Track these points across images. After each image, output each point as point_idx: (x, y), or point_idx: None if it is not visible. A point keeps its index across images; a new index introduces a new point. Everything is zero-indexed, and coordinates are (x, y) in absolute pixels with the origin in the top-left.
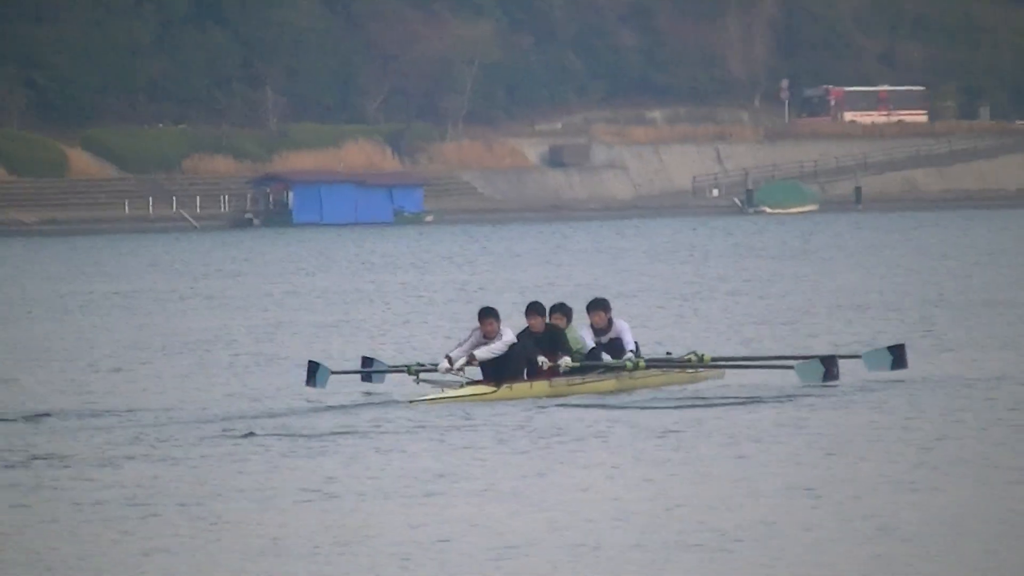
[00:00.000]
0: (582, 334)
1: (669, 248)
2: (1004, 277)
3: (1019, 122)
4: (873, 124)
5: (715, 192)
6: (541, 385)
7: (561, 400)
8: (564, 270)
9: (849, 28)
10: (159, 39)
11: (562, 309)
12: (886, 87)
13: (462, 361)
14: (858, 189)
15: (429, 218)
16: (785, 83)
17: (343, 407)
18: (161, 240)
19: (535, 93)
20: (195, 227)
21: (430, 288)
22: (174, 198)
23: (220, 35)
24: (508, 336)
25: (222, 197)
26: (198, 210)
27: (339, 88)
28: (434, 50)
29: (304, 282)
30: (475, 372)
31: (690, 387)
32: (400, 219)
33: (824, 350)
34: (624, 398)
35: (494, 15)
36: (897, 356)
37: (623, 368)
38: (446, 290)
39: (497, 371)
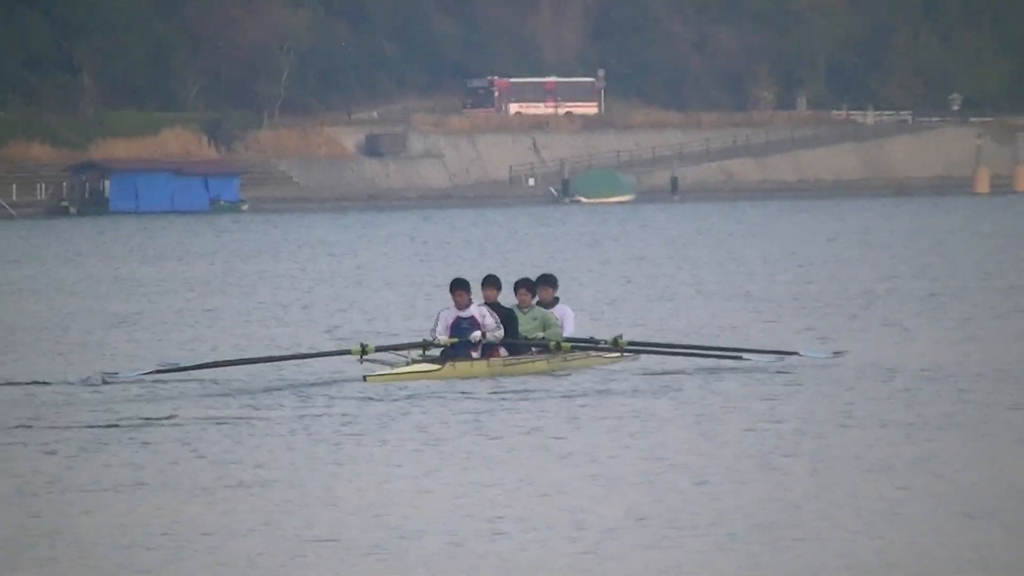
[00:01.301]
0: (562, 314)
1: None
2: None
3: (835, 112)
4: (550, 114)
5: (531, 182)
6: (481, 365)
7: (500, 382)
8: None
9: (662, 14)
10: None
11: (526, 284)
12: (554, 78)
13: (476, 334)
14: (674, 179)
15: (245, 207)
16: (601, 72)
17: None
18: None
19: (352, 81)
20: (12, 215)
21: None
22: None
23: (30, 16)
24: (490, 312)
25: (39, 185)
26: (14, 197)
27: (155, 74)
28: (250, 36)
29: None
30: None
31: (610, 369)
32: (216, 208)
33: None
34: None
35: (311, 2)
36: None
37: (546, 348)
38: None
39: (450, 348)
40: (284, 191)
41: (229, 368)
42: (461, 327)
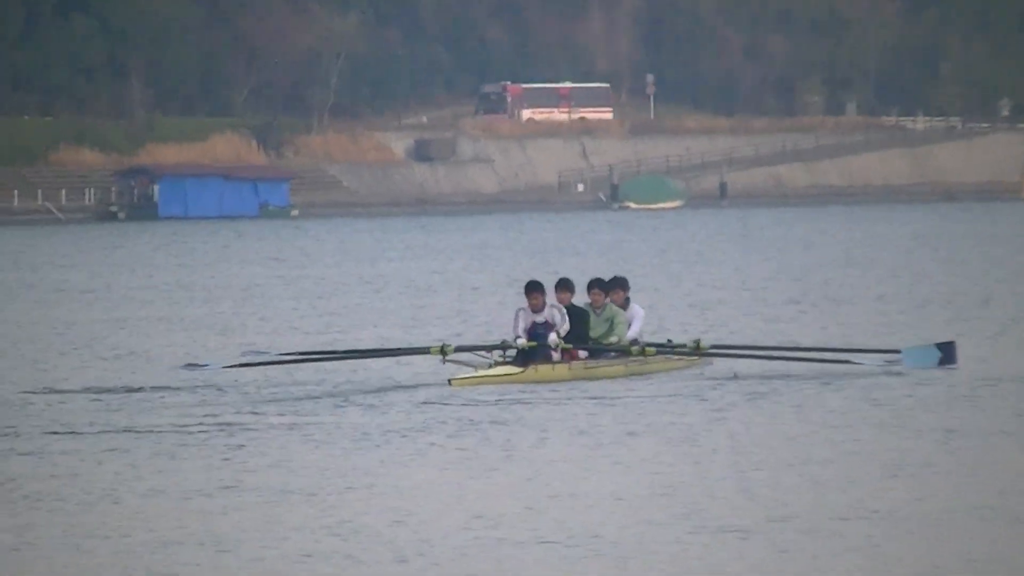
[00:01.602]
0: (630, 315)
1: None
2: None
3: (884, 117)
4: (567, 120)
5: (580, 187)
6: (562, 369)
7: (582, 385)
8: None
9: (713, 21)
10: (24, 29)
11: (599, 284)
12: (569, 84)
13: (554, 337)
14: (723, 184)
15: (295, 212)
16: (651, 78)
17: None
18: (26, 232)
19: (402, 87)
20: (60, 219)
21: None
22: (39, 190)
23: (85, 25)
24: (563, 310)
25: (87, 190)
26: (63, 202)
27: (205, 81)
28: (301, 43)
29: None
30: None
31: (689, 373)
32: (266, 213)
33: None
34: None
35: (361, 7)
36: (946, 353)
37: (628, 353)
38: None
39: (528, 351)
40: (334, 196)
41: (311, 364)
42: (536, 331)
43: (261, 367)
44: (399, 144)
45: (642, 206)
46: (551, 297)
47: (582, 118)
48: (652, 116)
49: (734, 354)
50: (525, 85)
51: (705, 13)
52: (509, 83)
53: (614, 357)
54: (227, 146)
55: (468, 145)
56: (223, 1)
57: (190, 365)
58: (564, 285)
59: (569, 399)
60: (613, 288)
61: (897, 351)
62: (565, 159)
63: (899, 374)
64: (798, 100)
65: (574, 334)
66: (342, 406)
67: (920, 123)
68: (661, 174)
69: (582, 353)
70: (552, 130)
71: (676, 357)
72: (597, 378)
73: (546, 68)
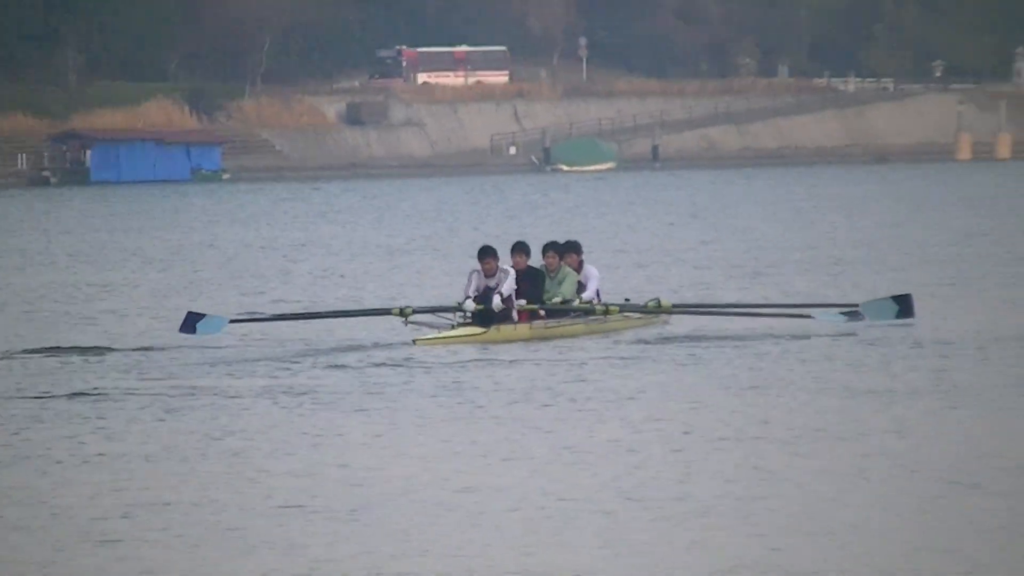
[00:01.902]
0: (585, 277)
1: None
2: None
3: (817, 80)
4: (469, 84)
5: (512, 150)
6: (524, 328)
7: (542, 344)
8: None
9: None
10: None
11: (554, 247)
12: (465, 48)
13: (496, 300)
14: (655, 147)
15: (226, 176)
16: (583, 41)
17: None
18: None
19: (335, 51)
20: None
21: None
22: None
23: None
24: (512, 273)
25: (20, 155)
26: None
27: (138, 46)
28: (233, 8)
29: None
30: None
31: (650, 332)
32: (198, 177)
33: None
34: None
35: None
36: (903, 306)
37: (593, 312)
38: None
39: (488, 312)
40: (266, 160)
41: (276, 323)
42: (488, 295)
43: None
44: (331, 109)
45: (574, 168)
46: (508, 260)
47: (479, 81)
48: (584, 79)
49: (695, 311)
50: (420, 49)
51: None
52: (404, 47)
53: (575, 316)
54: (160, 112)
55: (400, 109)
56: None
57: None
58: (520, 248)
59: (528, 359)
60: (567, 251)
61: (855, 305)
62: (498, 123)
63: (851, 333)
64: (731, 63)
65: (532, 295)
66: (313, 367)
67: (852, 85)
68: (593, 137)
69: (543, 313)
70: (485, 94)
71: (637, 315)
72: (557, 337)
73: (480, 32)
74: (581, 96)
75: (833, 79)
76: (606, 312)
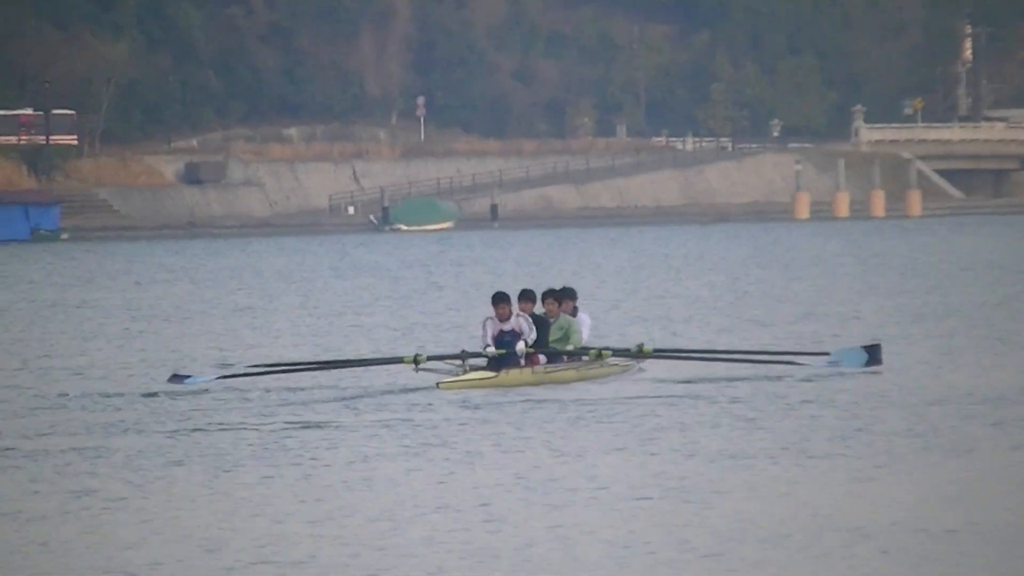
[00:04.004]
0: (581, 322)
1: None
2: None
3: (655, 139)
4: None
5: (351, 210)
6: (528, 373)
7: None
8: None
9: (484, 44)
10: None
11: (553, 294)
12: (30, 111)
13: (521, 346)
14: (494, 206)
15: (65, 236)
16: (421, 100)
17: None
18: None
19: (173, 112)
20: None
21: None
22: None
23: None
24: (529, 320)
25: None
26: None
27: None
28: (73, 69)
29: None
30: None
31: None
32: (37, 237)
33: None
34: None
35: (132, 34)
36: (872, 355)
37: (589, 357)
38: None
39: (499, 357)
40: (104, 220)
41: (287, 375)
42: (503, 339)
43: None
44: (169, 168)
45: (413, 228)
46: (515, 307)
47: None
48: (423, 139)
49: (675, 356)
50: None
51: (476, 37)
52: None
53: (568, 361)
54: None
55: (239, 168)
56: None
57: (176, 377)
58: (526, 296)
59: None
60: (564, 298)
61: (827, 353)
62: (337, 182)
63: (813, 377)
64: (569, 123)
65: (537, 341)
66: (348, 409)
67: (690, 144)
68: (432, 196)
69: (541, 358)
70: (323, 154)
71: (625, 361)
72: (556, 382)
73: (318, 92)
74: (420, 156)
75: (671, 138)
76: (600, 356)
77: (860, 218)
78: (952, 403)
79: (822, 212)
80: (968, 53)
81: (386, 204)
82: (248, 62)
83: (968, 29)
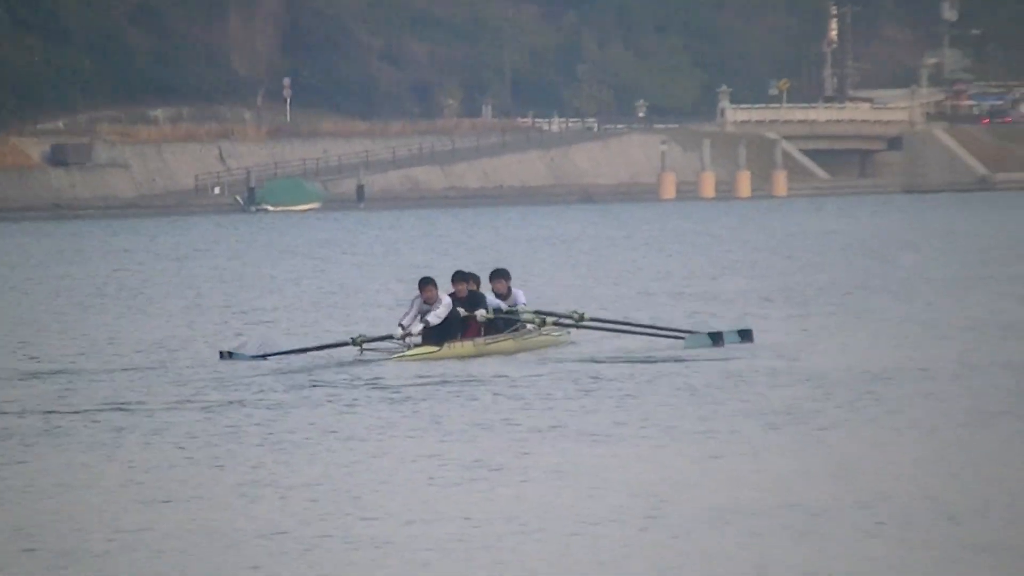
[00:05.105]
0: (489, 298)
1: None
2: None
3: (521, 120)
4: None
5: (217, 191)
6: (468, 345)
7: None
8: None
9: (352, 25)
10: None
11: (473, 277)
12: None
13: (418, 327)
14: (360, 187)
15: None
16: (287, 81)
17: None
18: None
19: (40, 92)
20: None
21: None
22: None
23: None
24: (447, 301)
25: None
26: None
27: None
28: None
29: None
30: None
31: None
32: None
33: None
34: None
35: None
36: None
37: (532, 323)
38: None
39: (438, 333)
40: None
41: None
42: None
43: None
44: (35, 149)
45: (279, 208)
46: (450, 287)
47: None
48: (289, 120)
49: (606, 328)
50: None
51: (343, 17)
52: None
53: (509, 332)
54: None
55: (105, 150)
56: None
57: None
58: (461, 277)
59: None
60: (498, 277)
61: (719, 332)
62: (203, 163)
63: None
64: (435, 103)
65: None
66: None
67: (556, 125)
68: (298, 177)
69: (482, 331)
70: (190, 135)
71: (557, 332)
72: (496, 352)
73: (187, 73)
74: (286, 136)
75: (537, 119)
76: (543, 323)
77: (726, 198)
78: (814, 381)
79: (688, 193)
80: (834, 34)
81: (252, 185)
82: (119, 42)
83: (834, 9)
